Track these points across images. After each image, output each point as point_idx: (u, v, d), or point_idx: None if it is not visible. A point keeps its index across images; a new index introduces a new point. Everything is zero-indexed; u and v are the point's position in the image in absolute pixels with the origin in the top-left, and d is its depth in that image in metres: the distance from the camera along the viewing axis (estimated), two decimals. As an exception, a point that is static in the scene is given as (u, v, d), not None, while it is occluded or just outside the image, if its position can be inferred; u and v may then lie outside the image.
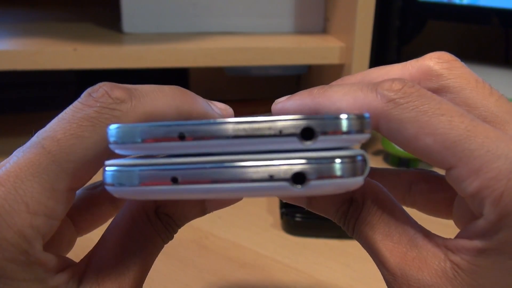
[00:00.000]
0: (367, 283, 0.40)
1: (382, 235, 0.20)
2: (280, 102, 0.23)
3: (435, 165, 0.19)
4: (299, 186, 0.17)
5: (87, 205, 0.25)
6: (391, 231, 0.20)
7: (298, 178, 0.17)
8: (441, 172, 0.21)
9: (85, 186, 0.25)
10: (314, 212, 0.23)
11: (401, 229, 0.20)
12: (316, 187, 0.17)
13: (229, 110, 0.24)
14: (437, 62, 0.22)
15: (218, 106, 0.24)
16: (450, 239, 0.20)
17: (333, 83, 0.23)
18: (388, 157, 0.61)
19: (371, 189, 0.21)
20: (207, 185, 0.17)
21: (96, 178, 0.23)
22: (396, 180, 0.25)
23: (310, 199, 0.22)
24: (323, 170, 0.17)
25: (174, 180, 0.17)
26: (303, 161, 0.17)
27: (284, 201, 0.24)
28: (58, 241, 0.22)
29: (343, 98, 0.20)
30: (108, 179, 0.18)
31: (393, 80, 0.19)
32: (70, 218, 0.24)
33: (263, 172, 0.17)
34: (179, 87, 0.22)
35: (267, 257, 0.43)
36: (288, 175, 0.17)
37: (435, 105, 0.19)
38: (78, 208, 0.24)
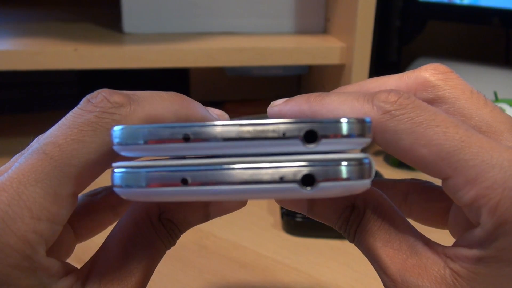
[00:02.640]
0: (367, 283, 0.40)
1: (382, 242, 0.21)
2: (277, 106, 0.23)
3: (431, 175, 0.20)
4: (308, 188, 0.17)
5: (87, 211, 0.25)
6: (391, 238, 0.21)
7: (308, 180, 0.17)
8: (437, 182, 0.22)
9: (85, 192, 0.25)
10: (315, 219, 0.23)
11: (402, 236, 0.21)
12: (325, 189, 0.17)
13: (226, 116, 0.25)
14: (432, 73, 0.23)
15: (215, 112, 0.24)
16: (449, 247, 0.20)
17: (330, 92, 0.24)
18: (388, 157, 0.61)
19: (372, 196, 0.21)
20: (217, 187, 0.17)
21: (98, 184, 0.23)
22: (392, 191, 0.26)
23: (312, 206, 0.22)
24: (333, 172, 0.17)
25: (184, 182, 0.17)
26: (312, 163, 0.17)
27: (285, 208, 0.24)
28: (57, 247, 0.22)
29: (339, 107, 0.21)
30: (117, 181, 0.18)
31: (389, 91, 0.20)
32: (70, 224, 0.24)
33: (273, 174, 0.17)
34: (176, 93, 0.22)
35: (268, 257, 0.43)
36: (298, 177, 0.17)
37: (430, 116, 0.19)
38: (78, 214, 0.24)
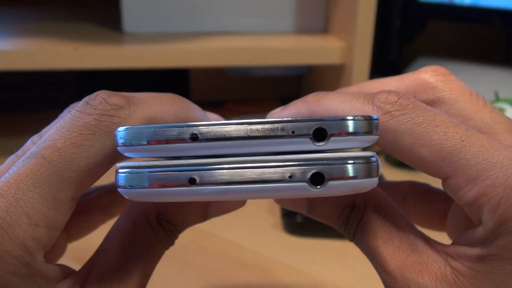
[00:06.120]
0: (367, 283, 0.39)
1: (383, 240, 0.21)
2: (275, 113, 0.23)
3: (432, 175, 0.20)
4: (318, 187, 0.17)
5: (79, 212, 0.25)
6: (392, 235, 0.21)
7: (317, 178, 0.17)
8: (435, 183, 0.22)
9: None
10: (315, 219, 0.23)
11: (402, 234, 0.21)
12: (334, 187, 0.17)
13: (222, 120, 0.25)
14: (432, 75, 0.23)
15: (213, 117, 0.25)
16: (449, 245, 0.20)
17: (329, 92, 0.24)
18: (388, 158, 0.61)
19: (373, 194, 0.21)
20: (226, 186, 0.17)
21: (96, 184, 0.23)
22: (390, 193, 0.26)
23: (311, 205, 0.22)
24: (342, 171, 0.17)
25: (192, 181, 0.17)
26: (321, 161, 0.17)
27: (285, 208, 0.24)
28: (51, 248, 0.22)
29: (339, 107, 0.21)
30: (121, 181, 0.18)
31: (389, 92, 0.20)
32: None
33: (282, 172, 0.17)
34: (175, 94, 0.22)
35: (268, 257, 0.42)
36: (307, 176, 0.17)
37: (430, 116, 0.19)
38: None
